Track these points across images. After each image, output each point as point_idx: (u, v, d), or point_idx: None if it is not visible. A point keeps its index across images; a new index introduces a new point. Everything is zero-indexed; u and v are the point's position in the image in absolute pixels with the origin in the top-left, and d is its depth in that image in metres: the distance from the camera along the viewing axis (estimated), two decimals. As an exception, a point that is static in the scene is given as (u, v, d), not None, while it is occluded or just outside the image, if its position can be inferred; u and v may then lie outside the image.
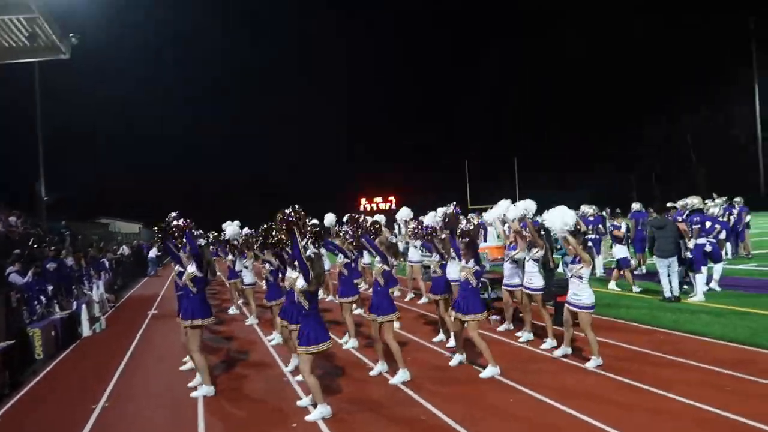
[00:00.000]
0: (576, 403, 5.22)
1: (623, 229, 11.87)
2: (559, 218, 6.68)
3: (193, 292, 6.42)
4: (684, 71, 54.61)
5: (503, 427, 4.95)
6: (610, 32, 58.72)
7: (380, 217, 11.85)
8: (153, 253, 24.38)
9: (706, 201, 13.25)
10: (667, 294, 9.93)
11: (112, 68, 56.29)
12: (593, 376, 6.09)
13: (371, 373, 6.69)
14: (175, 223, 6.57)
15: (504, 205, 8.38)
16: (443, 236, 7.57)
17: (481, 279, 7.20)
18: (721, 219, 10.97)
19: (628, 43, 57.52)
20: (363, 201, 61.19)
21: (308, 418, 5.31)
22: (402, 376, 6.32)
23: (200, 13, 70.53)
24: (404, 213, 11.80)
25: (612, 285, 11.58)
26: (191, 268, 6.45)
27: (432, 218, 9.37)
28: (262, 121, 73.39)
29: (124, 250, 25.18)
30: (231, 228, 11.90)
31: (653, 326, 8.13)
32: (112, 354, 8.87)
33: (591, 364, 6.41)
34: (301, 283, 5.40)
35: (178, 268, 6.82)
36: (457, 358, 6.93)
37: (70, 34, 12.86)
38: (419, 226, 7.89)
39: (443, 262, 7.77)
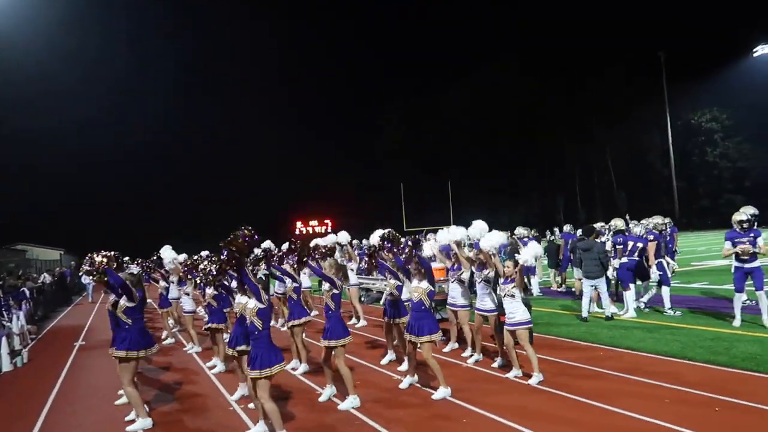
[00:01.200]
0: (529, 423, 5.33)
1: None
2: (496, 237, 7.05)
3: (128, 324, 6.14)
4: (602, 101, 58.11)
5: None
6: (534, 63, 61.77)
7: (344, 235, 11.94)
8: (87, 279, 23.06)
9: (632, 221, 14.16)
10: (585, 314, 10.31)
11: (38, 88, 53.31)
12: (542, 394, 6.23)
13: (320, 399, 6.56)
14: (98, 259, 6.11)
15: (457, 231, 8.36)
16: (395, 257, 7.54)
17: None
18: (644, 237, 11.57)
19: (552, 74, 60.52)
20: (298, 225, 60.84)
21: None
22: (351, 402, 6.23)
23: (119, 31, 68.28)
24: (343, 236, 11.87)
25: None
26: (122, 300, 6.17)
27: (375, 239, 9.39)
28: (192, 145, 71.75)
29: (45, 278, 23.64)
30: (167, 252, 11.47)
31: (592, 343, 8.45)
32: (37, 390, 8.24)
33: (533, 381, 6.59)
34: (253, 304, 5.29)
35: (112, 298, 6.48)
36: (407, 381, 6.91)
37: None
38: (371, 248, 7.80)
39: (399, 283, 7.60)
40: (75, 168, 61.53)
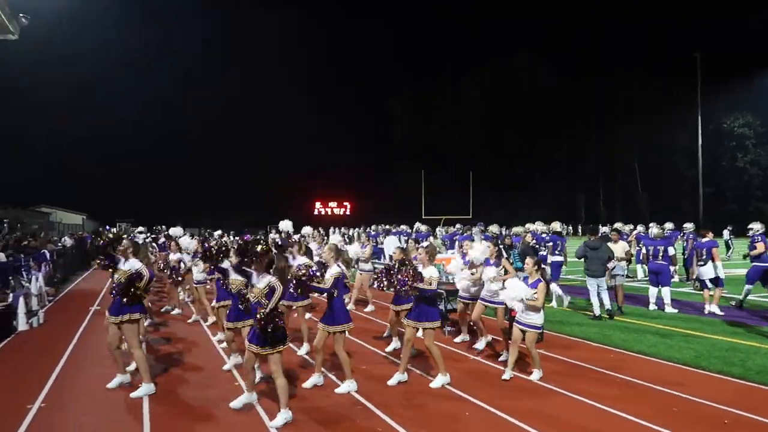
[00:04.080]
0: (532, 422, 5.27)
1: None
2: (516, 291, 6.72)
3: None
4: (630, 99, 57.08)
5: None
6: (561, 57, 60.89)
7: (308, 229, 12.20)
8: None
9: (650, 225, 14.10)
10: (597, 312, 10.35)
11: (65, 52, 53.61)
12: (548, 393, 6.16)
13: (304, 385, 6.42)
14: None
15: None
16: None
17: (438, 290, 7.34)
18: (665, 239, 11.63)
19: (585, 72, 59.62)
20: (318, 205, 61.15)
21: (272, 423, 5.20)
22: (348, 386, 6.23)
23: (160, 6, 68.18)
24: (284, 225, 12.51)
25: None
26: (126, 266, 6.28)
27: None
28: (220, 119, 72.02)
29: (66, 241, 24.07)
30: (182, 238, 11.67)
31: (604, 345, 8.34)
32: (49, 350, 8.40)
33: (535, 377, 6.62)
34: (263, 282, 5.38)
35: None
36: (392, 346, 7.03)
37: (21, 14, 12.18)
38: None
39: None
40: (99, 136, 62.19)
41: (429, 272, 6.38)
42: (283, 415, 5.21)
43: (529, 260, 6.87)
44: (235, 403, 5.66)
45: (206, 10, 73.03)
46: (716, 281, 11.27)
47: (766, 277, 11.10)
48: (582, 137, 61.85)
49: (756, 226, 11.52)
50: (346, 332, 6.29)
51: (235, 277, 6.27)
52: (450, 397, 6.06)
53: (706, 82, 47.13)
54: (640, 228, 15.45)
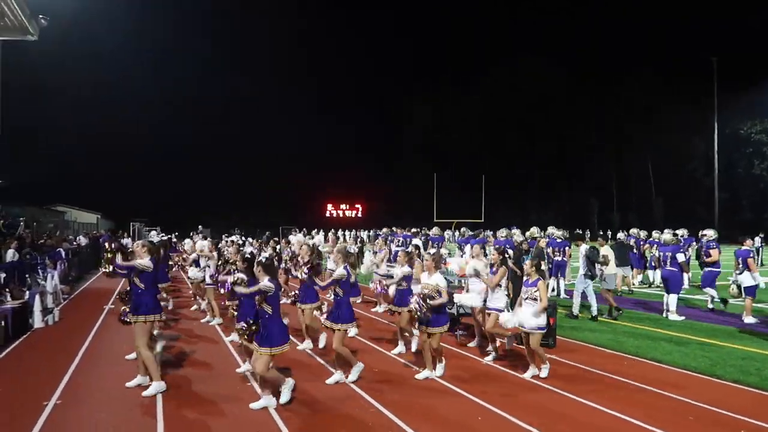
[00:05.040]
0: (544, 426, 5.24)
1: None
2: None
3: (141, 288, 6.27)
4: (645, 103, 56.65)
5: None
6: (574, 60, 60.66)
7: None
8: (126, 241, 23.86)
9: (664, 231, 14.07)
10: (575, 311, 11.03)
11: (81, 51, 54.10)
12: (560, 398, 6.12)
13: (328, 381, 6.61)
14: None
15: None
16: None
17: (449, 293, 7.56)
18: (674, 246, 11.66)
19: (603, 76, 59.31)
20: (329, 207, 61.27)
21: (253, 405, 5.63)
22: (357, 370, 6.57)
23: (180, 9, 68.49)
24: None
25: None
26: (138, 262, 6.29)
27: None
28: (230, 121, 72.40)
29: (81, 240, 24.33)
30: (199, 243, 11.82)
31: (617, 351, 8.26)
32: (65, 348, 8.50)
33: (543, 373, 6.78)
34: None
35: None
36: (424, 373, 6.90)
37: (40, 15, 12.34)
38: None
39: (408, 273, 7.96)
40: (115, 135, 62.64)
41: (435, 280, 6.47)
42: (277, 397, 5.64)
43: (528, 261, 7.00)
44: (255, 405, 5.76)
45: (215, 10, 73.06)
46: (749, 290, 10.78)
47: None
48: (597, 142, 61.42)
49: (709, 233, 12.23)
50: (349, 331, 6.51)
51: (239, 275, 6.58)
52: (459, 397, 6.04)
53: (723, 86, 46.75)
54: (655, 234, 15.31)
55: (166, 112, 64.58)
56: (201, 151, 67.12)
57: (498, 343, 7.97)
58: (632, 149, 59.72)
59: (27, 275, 12.57)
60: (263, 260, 5.84)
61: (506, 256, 8.12)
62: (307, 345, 8.32)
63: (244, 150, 67.88)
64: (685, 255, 11.70)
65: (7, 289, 10.45)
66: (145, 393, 6.18)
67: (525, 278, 7.04)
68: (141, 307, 6.23)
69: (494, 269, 7.88)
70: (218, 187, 65.88)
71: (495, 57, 66.77)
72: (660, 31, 60.47)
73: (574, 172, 64.26)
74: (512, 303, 7.96)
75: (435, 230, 19.00)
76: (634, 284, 15.09)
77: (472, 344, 8.68)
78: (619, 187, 62.60)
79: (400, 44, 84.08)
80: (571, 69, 60.49)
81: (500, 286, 7.66)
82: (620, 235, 15.49)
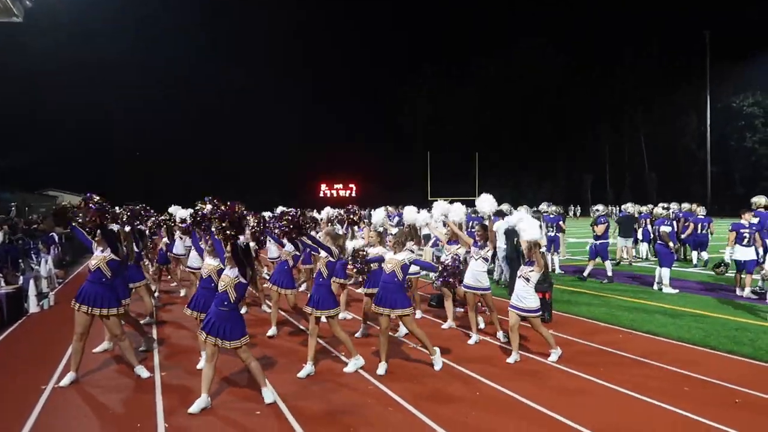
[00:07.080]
0: (543, 401, 5.29)
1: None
2: (487, 203, 7.49)
3: (107, 277, 6.17)
4: (638, 79, 56.43)
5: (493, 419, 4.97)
6: (567, 38, 60.21)
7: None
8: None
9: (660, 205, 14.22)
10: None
11: (71, 34, 53.10)
12: (556, 374, 6.18)
13: (299, 375, 6.14)
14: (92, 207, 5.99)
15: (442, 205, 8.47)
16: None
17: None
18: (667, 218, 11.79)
19: (593, 52, 58.94)
20: (323, 187, 61.09)
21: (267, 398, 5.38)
22: (355, 363, 6.29)
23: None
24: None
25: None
26: (105, 252, 6.22)
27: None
28: (221, 101, 71.55)
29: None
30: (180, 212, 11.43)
31: (612, 325, 8.34)
32: (61, 332, 8.44)
33: (553, 358, 6.55)
34: (234, 274, 5.22)
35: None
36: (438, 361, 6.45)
37: (25, -3, 12.04)
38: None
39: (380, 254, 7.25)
40: (107, 119, 61.99)
41: (402, 256, 6.26)
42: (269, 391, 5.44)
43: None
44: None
45: (211, 1, 71.75)
46: (747, 265, 10.55)
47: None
48: (590, 118, 61.38)
49: (600, 208, 13.23)
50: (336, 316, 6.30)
51: (208, 261, 6.60)
52: (461, 376, 6.09)
53: (716, 61, 46.69)
54: (645, 208, 15.63)
55: (160, 97, 63.83)
56: (195, 133, 66.66)
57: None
58: (625, 125, 59.74)
59: (20, 260, 12.49)
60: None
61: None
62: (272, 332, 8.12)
63: (234, 131, 67.42)
64: (673, 227, 11.75)
65: (1, 274, 10.38)
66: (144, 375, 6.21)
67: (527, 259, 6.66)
68: (107, 301, 6.25)
69: (479, 243, 7.59)
70: (213, 172, 65.45)
71: (493, 39, 66.45)
72: (653, 6, 59.89)
73: (569, 149, 64.30)
74: (509, 289, 7.87)
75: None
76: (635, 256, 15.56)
77: (471, 341, 7.66)
78: (613, 162, 62.74)
79: (396, 36, 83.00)
80: (567, 48, 60.21)
81: (528, 281, 6.50)
82: (629, 207, 15.45)
